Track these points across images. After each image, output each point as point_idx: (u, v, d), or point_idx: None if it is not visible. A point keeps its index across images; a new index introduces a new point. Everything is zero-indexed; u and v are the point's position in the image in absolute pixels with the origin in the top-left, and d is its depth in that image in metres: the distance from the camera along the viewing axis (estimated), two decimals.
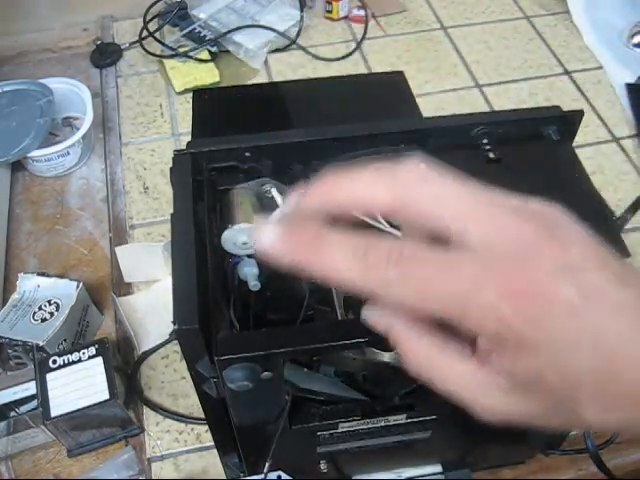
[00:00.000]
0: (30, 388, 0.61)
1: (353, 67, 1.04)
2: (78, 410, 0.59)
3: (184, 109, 0.98)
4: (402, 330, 0.28)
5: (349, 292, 0.31)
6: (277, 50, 1.06)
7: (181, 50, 1.02)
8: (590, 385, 0.24)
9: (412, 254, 0.25)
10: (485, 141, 0.46)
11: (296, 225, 0.29)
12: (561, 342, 0.24)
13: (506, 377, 0.26)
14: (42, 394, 0.59)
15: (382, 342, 0.40)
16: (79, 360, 0.61)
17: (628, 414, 0.25)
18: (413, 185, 0.27)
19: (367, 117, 0.62)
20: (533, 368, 0.25)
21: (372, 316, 0.30)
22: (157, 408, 0.67)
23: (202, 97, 0.54)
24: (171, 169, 0.45)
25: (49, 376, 0.60)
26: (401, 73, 0.57)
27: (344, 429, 0.47)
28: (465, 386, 0.28)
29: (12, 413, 0.60)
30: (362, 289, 0.26)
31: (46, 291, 0.70)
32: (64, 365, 0.61)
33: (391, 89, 0.57)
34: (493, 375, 0.27)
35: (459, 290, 0.24)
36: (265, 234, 0.28)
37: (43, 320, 0.67)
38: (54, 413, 0.58)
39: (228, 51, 1.04)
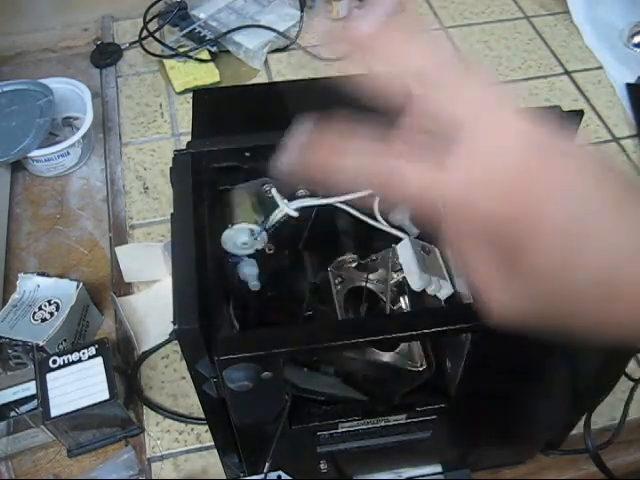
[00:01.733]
0: (30, 388, 0.61)
1: (353, 67, 1.04)
2: (78, 410, 0.59)
3: (184, 109, 0.98)
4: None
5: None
6: (277, 50, 1.06)
7: (181, 50, 1.02)
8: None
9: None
10: None
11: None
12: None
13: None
14: (42, 394, 0.59)
15: (382, 342, 0.40)
16: (79, 360, 0.61)
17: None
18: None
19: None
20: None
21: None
22: (157, 408, 0.67)
23: (202, 97, 0.53)
24: (171, 169, 0.45)
25: (49, 376, 0.60)
26: None
27: (344, 429, 0.47)
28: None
29: (12, 413, 0.60)
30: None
31: (46, 291, 0.70)
32: (64, 365, 0.61)
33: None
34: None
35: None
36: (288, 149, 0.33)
37: (43, 320, 0.67)
38: (54, 413, 0.58)
39: (228, 51, 1.04)
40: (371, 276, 0.49)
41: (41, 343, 0.64)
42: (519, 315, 0.29)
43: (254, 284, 0.46)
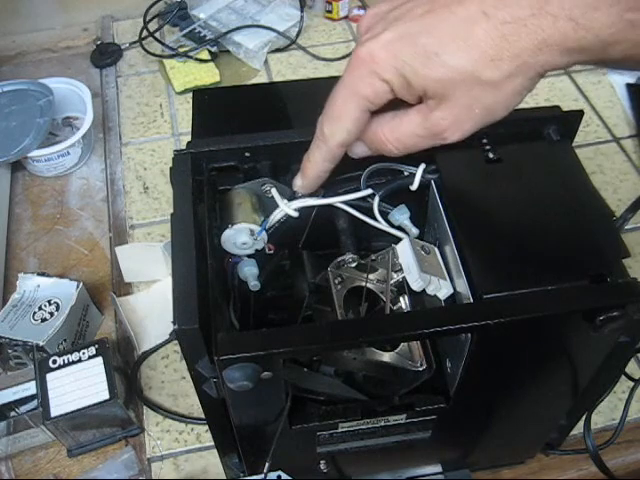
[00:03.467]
0: (30, 388, 0.61)
1: None
2: (78, 410, 0.59)
3: (184, 109, 0.98)
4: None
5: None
6: (277, 50, 1.06)
7: (181, 50, 1.02)
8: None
9: None
10: (485, 141, 0.46)
11: None
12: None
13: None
14: (42, 394, 0.59)
15: (382, 342, 0.40)
16: (79, 360, 0.61)
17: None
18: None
19: None
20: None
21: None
22: (157, 408, 0.67)
23: (202, 97, 0.54)
24: (171, 169, 0.45)
25: (49, 376, 0.60)
26: None
27: (344, 429, 0.47)
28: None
29: (12, 413, 0.60)
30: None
31: (46, 291, 0.70)
32: (64, 365, 0.61)
33: None
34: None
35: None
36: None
37: (43, 320, 0.68)
38: (54, 413, 0.58)
39: (228, 51, 1.04)
40: (371, 276, 0.49)
41: (41, 343, 0.64)
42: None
43: (254, 284, 0.46)
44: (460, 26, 0.31)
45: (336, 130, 0.37)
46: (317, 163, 0.40)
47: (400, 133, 0.36)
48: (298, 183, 0.44)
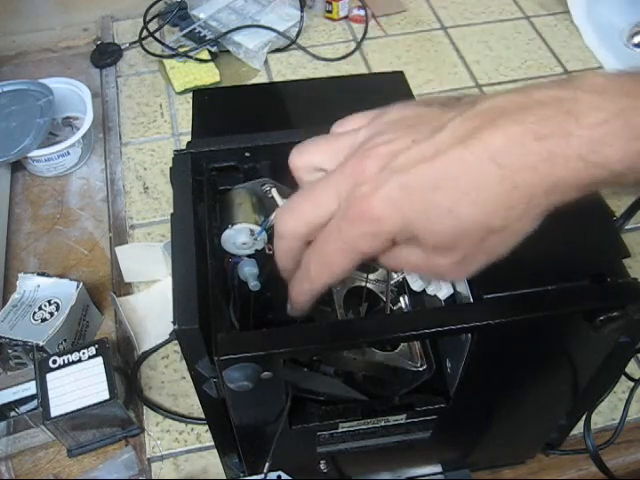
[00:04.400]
0: (30, 388, 0.61)
1: (353, 67, 1.04)
2: (78, 410, 0.59)
3: (184, 109, 0.98)
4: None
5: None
6: (277, 50, 1.06)
7: (181, 50, 1.02)
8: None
9: None
10: None
11: None
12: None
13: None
14: (42, 394, 0.59)
15: (382, 342, 0.40)
16: (79, 360, 0.61)
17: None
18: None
19: None
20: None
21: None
22: (157, 408, 0.67)
23: (202, 97, 0.54)
24: (171, 169, 0.45)
25: (49, 376, 0.60)
26: (401, 73, 0.57)
27: (344, 429, 0.47)
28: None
29: (12, 413, 0.60)
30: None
31: (46, 291, 0.70)
32: (64, 365, 0.61)
33: (391, 89, 0.57)
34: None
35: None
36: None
37: (43, 320, 0.67)
38: (54, 413, 0.58)
39: (228, 51, 1.04)
40: (371, 276, 0.49)
41: (41, 343, 0.64)
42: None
43: (254, 284, 0.46)
44: (472, 178, 0.29)
45: (324, 275, 0.35)
46: (299, 295, 0.38)
47: (398, 262, 0.34)
48: (288, 308, 0.41)
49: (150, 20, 1.08)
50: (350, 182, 0.32)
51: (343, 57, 1.05)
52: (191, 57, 1.02)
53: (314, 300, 0.37)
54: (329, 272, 0.34)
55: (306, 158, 0.37)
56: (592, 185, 0.30)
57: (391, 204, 0.30)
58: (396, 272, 0.39)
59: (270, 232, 0.47)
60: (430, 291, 0.43)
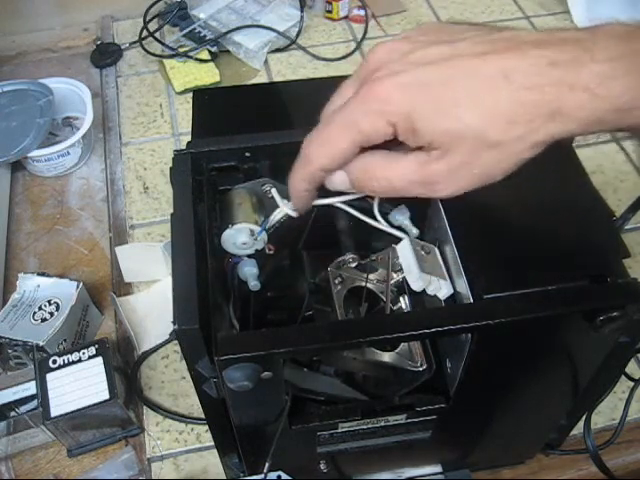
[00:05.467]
0: (30, 388, 0.61)
1: (353, 67, 1.03)
2: (78, 410, 0.59)
3: (184, 109, 0.98)
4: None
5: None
6: (277, 50, 1.06)
7: (181, 50, 1.02)
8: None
9: None
10: None
11: None
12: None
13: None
14: (42, 394, 0.59)
15: (382, 342, 0.40)
16: (79, 360, 0.61)
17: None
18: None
19: None
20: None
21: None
22: (157, 408, 0.67)
23: (202, 97, 0.53)
24: (171, 169, 0.45)
25: (49, 376, 0.60)
26: None
27: (344, 429, 0.47)
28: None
29: (12, 413, 0.60)
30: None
31: (46, 291, 0.70)
32: (64, 365, 0.61)
33: None
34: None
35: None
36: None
37: (43, 320, 0.67)
38: (54, 413, 0.58)
39: (228, 51, 1.04)
40: (371, 276, 0.49)
41: (41, 343, 0.64)
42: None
43: (254, 284, 0.46)
44: (480, 85, 0.31)
45: (321, 154, 0.35)
46: (297, 181, 0.38)
47: (391, 173, 0.35)
48: (290, 205, 0.43)
49: (150, 20, 1.08)
50: (368, 72, 0.34)
51: (343, 57, 1.05)
52: (191, 57, 1.02)
53: (313, 191, 0.38)
54: (328, 151, 0.35)
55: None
56: (595, 121, 0.31)
57: (402, 89, 0.32)
58: (381, 194, 0.39)
59: (270, 232, 0.47)
60: (430, 291, 0.43)
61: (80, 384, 0.60)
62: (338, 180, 0.37)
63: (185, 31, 1.05)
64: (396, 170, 0.35)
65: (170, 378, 0.70)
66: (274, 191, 0.47)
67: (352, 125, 0.33)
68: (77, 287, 0.69)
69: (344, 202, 0.47)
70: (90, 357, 0.61)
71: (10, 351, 0.67)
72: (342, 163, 0.35)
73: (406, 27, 1.11)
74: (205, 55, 1.03)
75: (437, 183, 0.34)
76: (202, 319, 0.36)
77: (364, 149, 0.35)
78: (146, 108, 0.99)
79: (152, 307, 0.74)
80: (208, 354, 0.38)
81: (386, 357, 0.46)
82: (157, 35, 1.06)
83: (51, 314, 0.68)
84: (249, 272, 0.46)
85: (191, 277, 0.38)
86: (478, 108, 0.31)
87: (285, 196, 0.47)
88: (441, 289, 0.43)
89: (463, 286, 0.41)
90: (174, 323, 0.36)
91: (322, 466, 0.54)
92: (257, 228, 0.46)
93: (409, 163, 0.34)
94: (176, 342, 0.69)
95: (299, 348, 0.37)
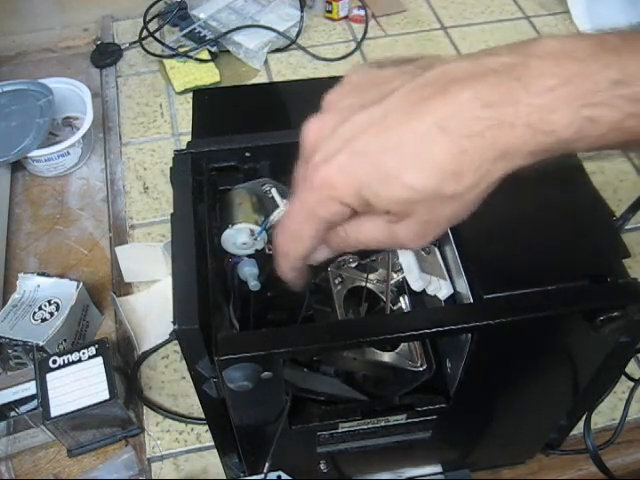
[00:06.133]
0: (30, 388, 0.61)
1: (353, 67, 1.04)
2: (78, 410, 0.59)
3: (184, 109, 0.98)
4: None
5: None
6: (277, 50, 1.06)
7: (181, 50, 1.02)
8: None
9: None
10: None
11: None
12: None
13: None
14: (42, 394, 0.59)
15: (382, 342, 0.40)
16: (79, 360, 0.61)
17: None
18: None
19: None
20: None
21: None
22: (157, 408, 0.67)
23: (202, 97, 0.53)
24: (171, 169, 0.45)
25: (49, 376, 0.60)
26: None
27: (344, 429, 0.47)
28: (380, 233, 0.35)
29: (12, 413, 0.60)
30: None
31: (46, 291, 0.70)
32: (64, 365, 0.61)
33: None
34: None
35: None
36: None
37: (43, 320, 0.67)
38: (54, 413, 0.58)
39: (228, 51, 1.04)
40: (371, 276, 0.49)
41: (41, 343, 0.64)
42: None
43: (254, 284, 0.46)
44: (418, 144, 0.30)
45: (294, 247, 0.36)
46: (284, 273, 0.38)
47: (361, 235, 0.35)
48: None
49: (150, 20, 1.08)
50: (307, 154, 0.33)
51: (343, 57, 1.05)
52: (191, 57, 1.02)
53: (302, 273, 0.38)
54: (298, 243, 0.35)
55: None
56: (542, 152, 0.30)
57: (343, 171, 0.31)
58: (367, 251, 0.39)
59: (270, 232, 0.47)
60: (430, 291, 0.43)
61: (80, 384, 0.60)
62: (319, 256, 0.37)
63: (185, 31, 1.05)
64: (364, 232, 0.35)
65: (170, 378, 0.70)
66: (274, 191, 0.47)
67: (312, 216, 0.33)
68: (77, 287, 0.69)
69: None
70: (90, 357, 0.61)
71: (10, 351, 0.67)
72: (316, 246, 0.36)
73: (406, 27, 1.11)
74: (205, 55, 1.03)
75: (405, 242, 0.34)
76: (202, 319, 0.36)
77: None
78: (146, 108, 0.99)
79: (152, 307, 0.74)
80: (208, 354, 0.38)
81: (386, 357, 0.46)
82: (157, 35, 1.06)
83: (51, 314, 0.68)
84: (249, 272, 0.46)
85: (191, 277, 0.38)
86: (422, 170, 0.30)
87: (285, 196, 0.47)
88: (441, 289, 0.43)
89: (463, 286, 0.41)
90: (174, 323, 0.36)
91: (322, 466, 0.54)
92: (257, 228, 0.46)
93: (374, 224, 0.34)
94: (176, 342, 0.69)
95: (299, 348, 0.37)
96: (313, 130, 0.34)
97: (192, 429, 0.66)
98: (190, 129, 0.50)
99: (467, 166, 0.30)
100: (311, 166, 0.32)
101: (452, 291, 0.43)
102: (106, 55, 1.06)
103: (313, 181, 0.32)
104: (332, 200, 0.32)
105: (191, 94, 0.55)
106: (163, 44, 1.04)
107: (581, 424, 0.54)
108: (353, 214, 0.33)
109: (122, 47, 1.07)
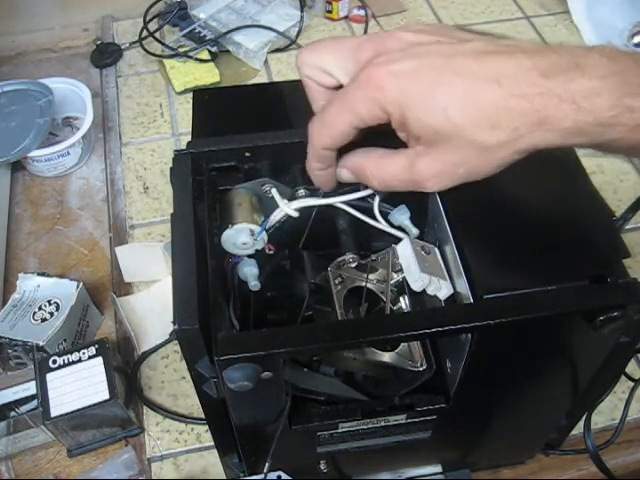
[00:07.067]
0: (30, 388, 0.61)
1: None
2: (78, 410, 0.59)
3: (184, 109, 0.98)
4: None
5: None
6: (277, 50, 1.06)
7: (181, 50, 1.02)
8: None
9: None
10: None
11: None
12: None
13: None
14: (42, 394, 0.59)
15: (382, 342, 0.40)
16: (79, 360, 0.61)
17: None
18: None
19: None
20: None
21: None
22: (157, 408, 0.67)
23: (202, 97, 0.53)
24: (171, 169, 0.45)
25: (49, 376, 0.60)
26: None
27: (344, 429, 0.47)
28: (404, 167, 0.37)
29: (12, 413, 0.60)
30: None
31: (46, 291, 0.70)
32: (64, 365, 0.61)
33: None
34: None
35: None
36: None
37: (43, 320, 0.67)
38: (54, 413, 0.58)
39: (228, 51, 1.04)
40: (371, 276, 0.49)
41: (41, 343, 0.64)
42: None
43: (254, 284, 0.46)
44: (474, 87, 0.32)
45: (322, 135, 0.38)
46: (308, 161, 0.41)
47: (384, 172, 0.38)
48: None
49: (150, 20, 1.08)
50: (369, 57, 0.35)
51: None
52: (191, 57, 1.02)
53: (327, 169, 0.40)
54: (327, 131, 0.37)
55: (315, 57, 0.40)
56: (577, 132, 0.32)
57: (397, 79, 0.33)
58: (380, 189, 0.42)
59: (270, 232, 0.47)
60: (430, 291, 0.43)
61: (80, 384, 0.60)
62: (345, 176, 0.41)
63: (185, 31, 1.05)
64: (387, 169, 0.37)
65: (170, 378, 0.70)
66: (274, 191, 0.47)
67: (349, 109, 0.35)
68: (77, 287, 0.69)
69: (344, 202, 0.47)
70: (90, 357, 0.61)
71: (10, 351, 0.67)
72: (342, 143, 0.38)
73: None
74: (205, 55, 1.03)
75: (425, 180, 0.36)
76: (202, 319, 0.36)
77: (363, 147, 0.38)
78: (146, 108, 0.99)
79: (152, 307, 0.74)
80: (208, 354, 0.38)
81: (386, 357, 0.46)
82: (157, 35, 1.06)
83: (51, 314, 0.68)
84: (249, 272, 0.46)
85: (191, 277, 0.38)
86: (467, 110, 0.32)
87: (285, 196, 0.47)
88: (441, 289, 0.43)
89: (463, 286, 0.41)
90: (174, 323, 0.36)
91: (322, 466, 0.54)
92: (257, 228, 0.46)
93: (399, 161, 0.36)
94: (176, 342, 0.69)
95: (299, 348, 0.37)
96: (390, 39, 0.36)
97: (192, 429, 0.66)
98: (190, 129, 0.50)
99: (506, 123, 0.32)
100: (370, 65, 0.34)
101: (452, 291, 0.43)
102: (106, 55, 1.06)
103: (365, 78, 0.34)
104: (374, 102, 0.34)
105: (191, 94, 0.55)
106: (163, 44, 1.04)
107: (581, 424, 0.54)
108: (382, 138, 0.36)
109: (122, 47, 1.07)
